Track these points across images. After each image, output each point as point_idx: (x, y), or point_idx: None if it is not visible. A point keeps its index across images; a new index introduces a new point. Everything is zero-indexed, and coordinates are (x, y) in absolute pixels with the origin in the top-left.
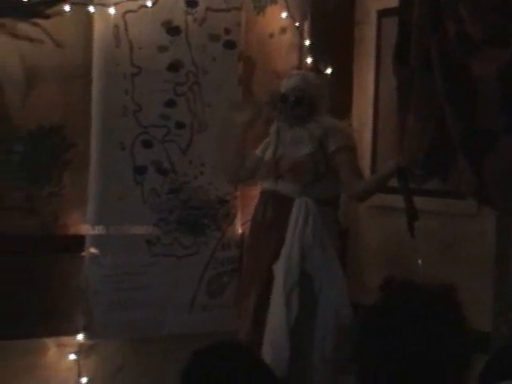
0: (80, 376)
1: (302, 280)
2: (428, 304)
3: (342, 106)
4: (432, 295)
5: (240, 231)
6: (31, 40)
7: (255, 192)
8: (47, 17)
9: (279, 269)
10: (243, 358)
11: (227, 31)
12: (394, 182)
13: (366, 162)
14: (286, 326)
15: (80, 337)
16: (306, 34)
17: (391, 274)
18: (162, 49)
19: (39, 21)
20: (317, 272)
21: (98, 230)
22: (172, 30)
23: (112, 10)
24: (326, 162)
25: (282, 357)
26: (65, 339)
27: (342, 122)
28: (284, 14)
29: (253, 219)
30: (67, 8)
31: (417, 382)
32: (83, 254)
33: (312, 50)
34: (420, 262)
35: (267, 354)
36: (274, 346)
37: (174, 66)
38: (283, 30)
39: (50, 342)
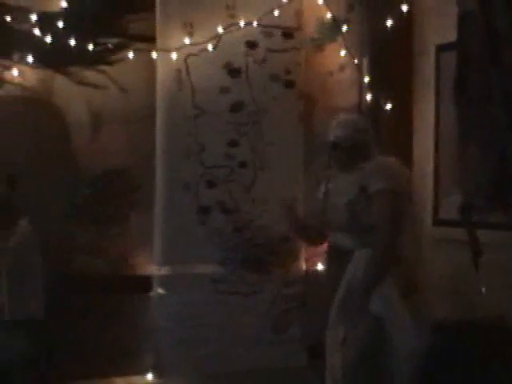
0: None
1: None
2: (479, 339)
3: (402, 140)
4: (483, 330)
5: (304, 268)
6: (96, 86)
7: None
8: (111, 63)
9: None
10: None
11: (287, 71)
12: (457, 215)
13: (428, 193)
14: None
15: (149, 376)
16: (365, 71)
17: (443, 316)
18: (224, 90)
19: (104, 67)
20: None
21: (165, 270)
22: (233, 71)
23: (174, 55)
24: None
25: None
26: (134, 378)
27: (392, 160)
28: (343, 52)
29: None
30: (131, 55)
31: None
32: (151, 293)
33: (371, 87)
34: (484, 290)
35: None
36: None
37: (235, 107)
38: (342, 68)
39: (120, 381)
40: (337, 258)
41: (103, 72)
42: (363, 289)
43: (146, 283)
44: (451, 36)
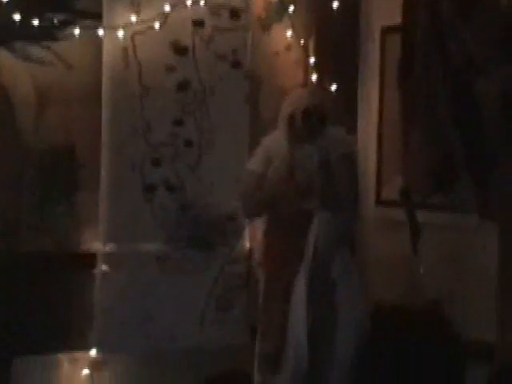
0: None
1: (325, 288)
2: (415, 325)
3: (347, 121)
4: (419, 319)
5: (248, 246)
6: (42, 62)
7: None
8: (57, 40)
9: (300, 282)
10: None
11: (234, 50)
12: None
13: (370, 175)
14: (305, 337)
15: (93, 352)
16: (310, 52)
17: (380, 299)
18: (170, 69)
19: (50, 44)
20: (337, 284)
21: (109, 247)
22: (179, 50)
23: (120, 33)
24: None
25: (302, 366)
26: (78, 354)
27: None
28: (289, 33)
29: (267, 234)
30: (77, 31)
31: None
32: (95, 271)
33: (317, 67)
34: (422, 270)
35: (287, 365)
36: (294, 356)
37: (181, 86)
38: (288, 48)
39: (64, 358)
40: (285, 228)
41: (49, 48)
42: (329, 255)
43: (90, 260)
44: (397, 19)
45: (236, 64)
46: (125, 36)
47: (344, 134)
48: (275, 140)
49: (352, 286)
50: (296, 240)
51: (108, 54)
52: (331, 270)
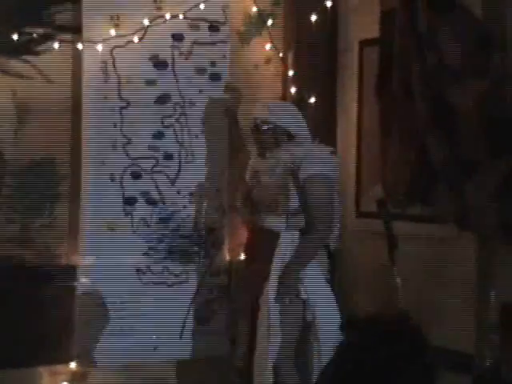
0: None
1: (295, 305)
2: (387, 335)
3: (326, 133)
4: (390, 326)
5: (228, 258)
6: (21, 76)
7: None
8: (37, 54)
9: (265, 299)
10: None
11: (213, 64)
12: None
13: (350, 186)
14: (267, 354)
15: (73, 365)
16: (289, 65)
17: (353, 312)
18: (150, 82)
19: (29, 58)
20: (309, 300)
21: (89, 260)
22: (159, 63)
23: (100, 47)
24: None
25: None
26: (58, 368)
27: (322, 146)
28: (268, 46)
29: (245, 252)
30: (56, 45)
31: None
32: (75, 283)
33: (296, 80)
34: (399, 281)
35: (256, 378)
36: (260, 372)
37: (161, 99)
38: (267, 61)
39: (44, 371)
40: (261, 244)
41: (28, 62)
42: (294, 272)
43: (71, 273)
44: (375, 32)
45: (215, 77)
46: (104, 50)
47: (322, 154)
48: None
49: (324, 303)
50: (265, 257)
51: (88, 67)
52: (300, 289)
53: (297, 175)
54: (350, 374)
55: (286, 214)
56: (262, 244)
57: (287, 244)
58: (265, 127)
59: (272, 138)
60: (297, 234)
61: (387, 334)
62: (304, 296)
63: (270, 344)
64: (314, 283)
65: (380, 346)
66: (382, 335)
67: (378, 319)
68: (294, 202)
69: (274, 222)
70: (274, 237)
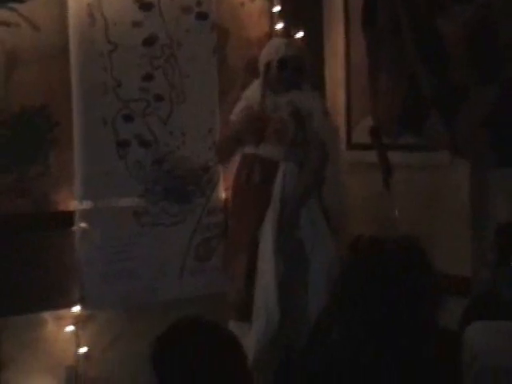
0: (78, 346)
1: (292, 242)
2: (393, 256)
3: (314, 68)
4: (396, 247)
5: (224, 196)
6: (8, 24)
7: (237, 158)
8: (23, 1)
9: (266, 231)
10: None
11: (199, 3)
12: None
13: (340, 121)
14: (274, 286)
15: (76, 309)
16: (275, 1)
17: (359, 233)
18: (136, 24)
19: (15, 5)
20: (306, 234)
21: (86, 204)
22: (145, 5)
23: None
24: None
25: (273, 316)
26: (61, 312)
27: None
28: None
29: (235, 184)
30: None
31: (393, 323)
32: (73, 228)
33: (282, 16)
34: (397, 212)
35: (258, 314)
36: (264, 305)
37: (148, 41)
38: None
39: (48, 316)
40: (256, 168)
41: (15, 10)
42: (295, 205)
43: (68, 219)
44: None
45: (202, 16)
46: None
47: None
48: (254, 89)
49: (322, 237)
50: (262, 189)
51: (73, 12)
52: (299, 221)
53: (298, 110)
54: (356, 293)
55: (288, 145)
56: (258, 175)
57: (287, 175)
58: (281, 65)
59: (286, 75)
60: (295, 165)
61: (396, 252)
62: (302, 231)
63: (276, 273)
64: (311, 217)
65: (389, 264)
66: (391, 253)
67: (387, 240)
68: (294, 135)
69: (276, 152)
70: (272, 166)
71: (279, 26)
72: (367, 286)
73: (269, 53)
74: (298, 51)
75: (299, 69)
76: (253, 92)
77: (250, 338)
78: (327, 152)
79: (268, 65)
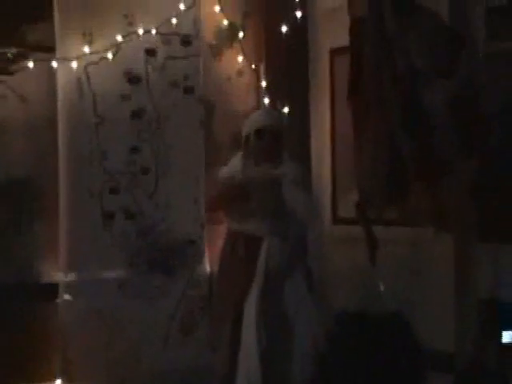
0: None
1: (276, 313)
2: (378, 333)
3: (301, 141)
4: (382, 324)
5: (209, 269)
6: None
7: (222, 230)
8: (11, 73)
9: (250, 304)
10: None
11: (186, 77)
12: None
13: (326, 193)
14: (257, 355)
15: (58, 382)
16: (262, 76)
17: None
18: (124, 98)
19: (4, 77)
20: (290, 303)
21: (71, 276)
22: (133, 79)
23: (74, 64)
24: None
25: None
26: None
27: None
28: (240, 58)
29: (221, 257)
30: (31, 64)
31: None
32: (57, 300)
33: (269, 91)
34: (382, 286)
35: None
36: (247, 374)
37: (136, 114)
38: (240, 73)
39: None
40: (241, 243)
41: (3, 82)
42: (279, 278)
43: (52, 290)
44: (344, 41)
45: (189, 90)
46: (78, 67)
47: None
48: (238, 159)
49: (305, 306)
50: (246, 263)
51: (62, 85)
52: (284, 294)
53: (279, 180)
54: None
55: (270, 219)
56: (243, 250)
57: (271, 249)
58: (258, 134)
59: (264, 144)
60: (279, 239)
61: (381, 330)
62: (288, 302)
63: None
64: (297, 289)
65: (373, 341)
66: (375, 330)
67: (372, 315)
68: (278, 207)
69: (260, 227)
70: (256, 241)
71: (266, 100)
72: (352, 363)
73: (248, 124)
74: (276, 120)
75: (277, 138)
76: (236, 162)
77: None
78: (304, 222)
79: (248, 136)
